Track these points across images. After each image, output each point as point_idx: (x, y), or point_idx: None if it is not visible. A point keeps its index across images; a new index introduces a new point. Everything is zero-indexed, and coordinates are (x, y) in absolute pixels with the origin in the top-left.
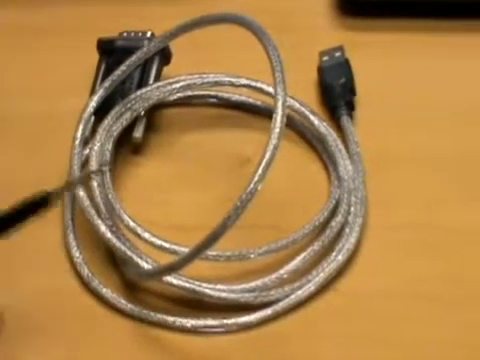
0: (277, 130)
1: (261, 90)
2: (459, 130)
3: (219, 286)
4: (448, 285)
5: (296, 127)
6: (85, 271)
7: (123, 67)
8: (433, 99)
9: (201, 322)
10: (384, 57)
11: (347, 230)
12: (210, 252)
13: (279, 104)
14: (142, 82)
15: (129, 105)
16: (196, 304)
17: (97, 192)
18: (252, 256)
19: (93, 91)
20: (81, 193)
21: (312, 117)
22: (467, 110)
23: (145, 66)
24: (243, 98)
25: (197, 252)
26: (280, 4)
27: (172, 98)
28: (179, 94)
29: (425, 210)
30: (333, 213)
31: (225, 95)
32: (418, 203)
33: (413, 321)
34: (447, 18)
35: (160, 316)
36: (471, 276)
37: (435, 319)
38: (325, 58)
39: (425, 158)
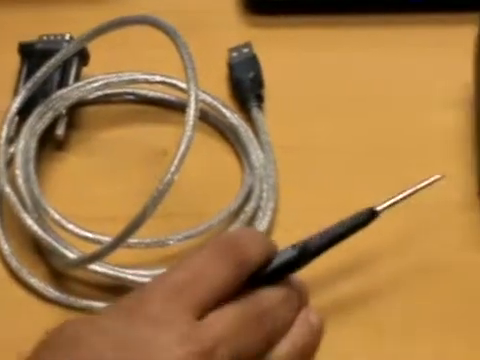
0: (191, 123)
1: (175, 86)
2: (362, 119)
3: (141, 272)
4: (353, 262)
5: (210, 120)
6: (13, 262)
7: (44, 69)
8: (337, 89)
9: None
10: (290, 51)
11: (260, 214)
12: (131, 240)
13: (192, 99)
14: (62, 82)
15: (51, 105)
16: (120, 290)
17: (23, 187)
18: (171, 242)
19: (16, 93)
20: (7, 189)
21: (224, 110)
22: (368, 99)
23: (65, 67)
24: (158, 94)
25: (119, 241)
26: (189, 4)
27: (91, 97)
28: (98, 92)
29: (332, 194)
30: (246, 199)
31: (141, 92)
32: (325, 187)
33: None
34: (347, 13)
35: (86, 302)
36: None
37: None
38: (234, 54)
39: (331, 145)
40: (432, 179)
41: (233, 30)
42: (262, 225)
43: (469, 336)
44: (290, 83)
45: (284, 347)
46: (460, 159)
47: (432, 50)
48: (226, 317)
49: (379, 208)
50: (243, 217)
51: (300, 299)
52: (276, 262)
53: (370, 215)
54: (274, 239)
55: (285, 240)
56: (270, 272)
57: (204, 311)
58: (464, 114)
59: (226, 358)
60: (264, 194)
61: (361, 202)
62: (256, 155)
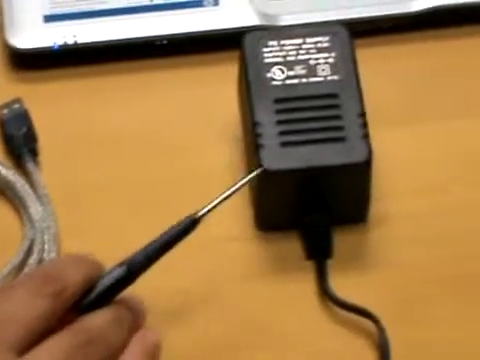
0: None
1: None
2: (137, 158)
3: None
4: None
5: None
6: None
7: None
8: (108, 134)
9: None
10: (59, 103)
11: None
12: None
13: None
14: None
15: None
16: None
17: None
18: None
19: None
20: None
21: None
22: (143, 140)
23: None
24: None
25: None
26: None
27: None
28: None
29: (112, 234)
30: (29, 252)
31: None
32: (105, 229)
33: None
34: (108, 62)
35: None
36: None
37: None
38: (5, 111)
39: (107, 187)
40: (252, 175)
41: (2, 87)
42: None
43: None
44: (62, 134)
45: None
46: (237, 193)
47: (197, 90)
48: (51, 350)
49: (200, 214)
50: (27, 270)
51: (135, 317)
52: (105, 282)
53: (192, 222)
54: None
55: None
56: (97, 295)
57: (25, 348)
58: (237, 148)
59: None
60: (46, 246)
61: (142, 236)
62: (35, 208)
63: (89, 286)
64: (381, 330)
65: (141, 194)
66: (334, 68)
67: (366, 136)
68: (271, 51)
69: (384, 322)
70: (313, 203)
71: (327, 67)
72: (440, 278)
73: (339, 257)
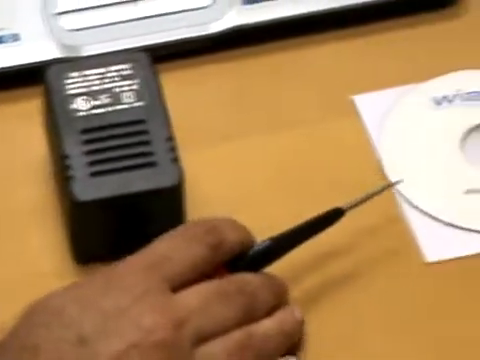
0: None
1: None
2: None
3: None
4: None
5: None
6: None
7: None
8: None
9: None
10: None
11: None
12: None
13: None
14: None
15: None
16: None
17: None
18: None
19: None
20: None
21: None
22: None
23: None
24: None
25: None
26: None
27: None
28: None
29: None
30: None
31: None
32: None
33: None
34: None
35: None
36: None
37: None
38: None
39: None
40: None
41: None
42: None
43: None
44: None
45: (271, 324)
46: (51, 230)
47: (1, 127)
48: (199, 292)
49: (345, 207)
50: None
51: (281, 291)
52: (256, 249)
53: (336, 214)
54: None
55: None
56: (248, 259)
57: (179, 286)
58: (47, 184)
59: (195, 330)
60: None
61: None
62: None
63: (242, 249)
64: None
65: None
66: (139, 95)
67: (176, 160)
68: (74, 82)
69: None
70: (130, 231)
71: (132, 94)
72: None
73: None
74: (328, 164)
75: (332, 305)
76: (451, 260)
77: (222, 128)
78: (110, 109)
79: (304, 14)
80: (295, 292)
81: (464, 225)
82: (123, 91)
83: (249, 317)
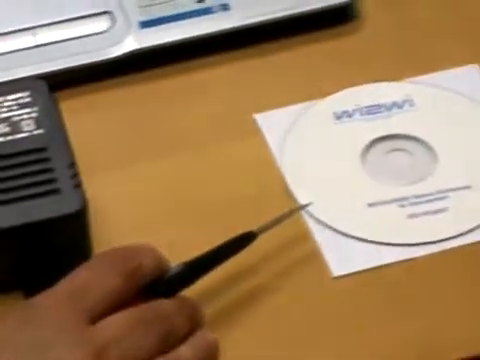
0: None
1: None
2: None
3: None
4: None
5: None
6: None
7: None
8: None
9: None
10: None
11: None
12: None
13: None
14: None
15: None
16: None
17: None
18: None
19: None
20: None
21: None
22: None
23: None
24: None
25: None
26: None
27: None
28: None
29: None
30: None
31: None
32: None
33: None
34: None
35: None
36: None
37: None
38: None
39: None
40: None
41: None
42: None
43: None
44: None
45: (187, 351)
46: None
47: None
48: (118, 321)
49: (256, 231)
50: None
51: (197, 315)
52: (171, 273)
53: (249, 237)
54: None
55: None
56: (164, 284)
57: (97, 317)
58: None
59: (117, 358)
60: None
61: None
62: None
63: (159, 274)
64: None
65: None
66: (38, 122)
67: (78, 186)
68: None
69: None
70: (36, 259)
71: (31, 122)
72: None
73: None
74: (233, 185)
75: (243, 325)
76: (358, 273)
77: (125, 153)
78: (10, 138)
79: (202, 35)
80: (207, 313)
81: (369, 238)
82: (22, 119)
83: (167, 343)
